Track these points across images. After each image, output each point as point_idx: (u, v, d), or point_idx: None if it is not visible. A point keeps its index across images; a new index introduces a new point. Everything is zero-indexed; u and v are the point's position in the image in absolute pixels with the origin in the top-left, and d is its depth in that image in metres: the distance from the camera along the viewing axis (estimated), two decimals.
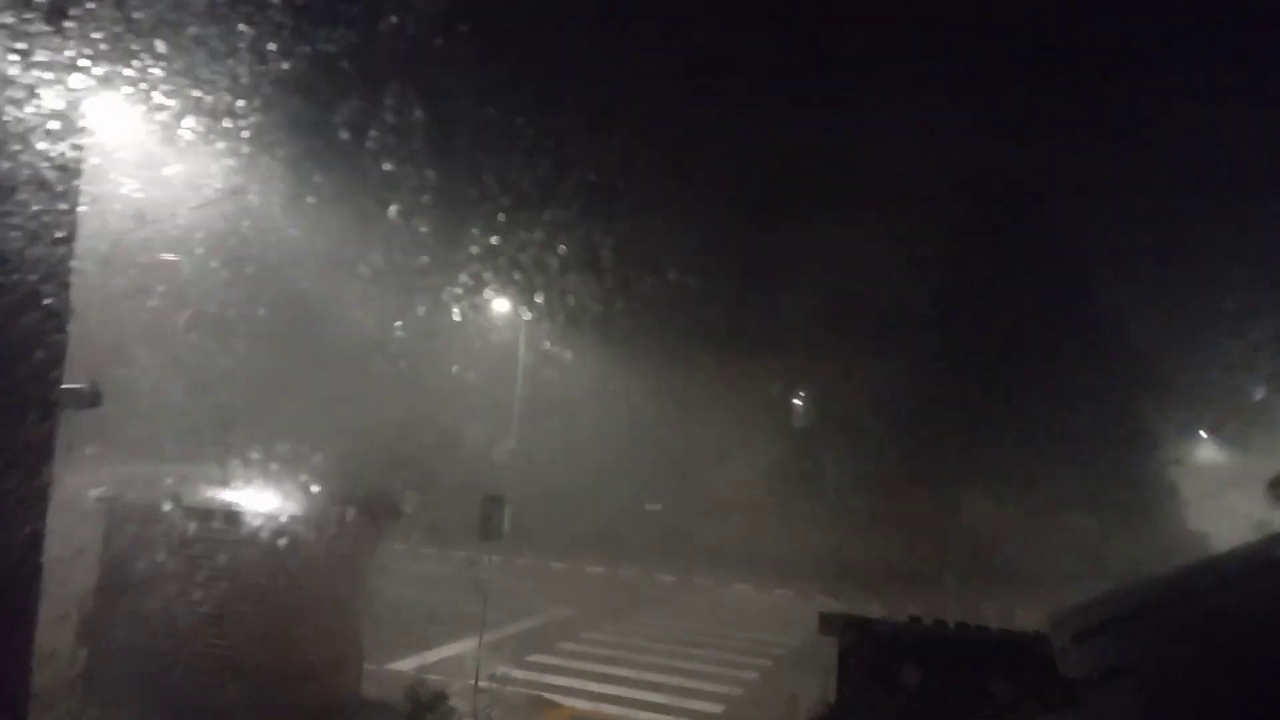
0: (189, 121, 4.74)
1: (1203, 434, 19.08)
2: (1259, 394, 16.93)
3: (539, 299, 14.70)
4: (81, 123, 2.78)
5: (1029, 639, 4.29)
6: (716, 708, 9.81)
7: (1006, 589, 12.15)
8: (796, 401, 19.75)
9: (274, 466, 6.55)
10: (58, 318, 2.81)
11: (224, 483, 7.12)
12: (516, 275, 13.26)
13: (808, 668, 8.80)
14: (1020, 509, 16.60)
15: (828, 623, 5.32)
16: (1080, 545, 14.79)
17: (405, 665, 9.62)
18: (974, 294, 17.88)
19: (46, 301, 2.72)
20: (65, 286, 2.82)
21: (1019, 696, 3.45)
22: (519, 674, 9.61)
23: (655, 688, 10.25)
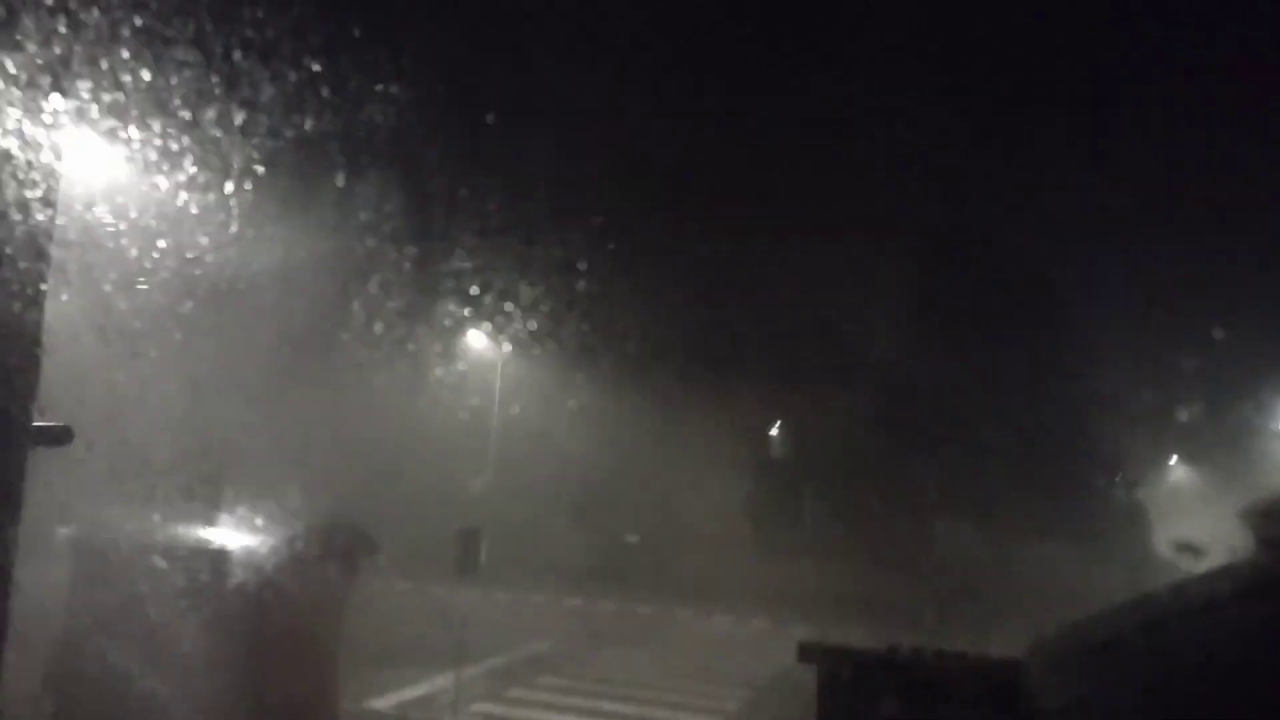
0: (160, 151, 4.74)
1: (1174, 460, 19.33)
2: (1230, 419, 17.21)
3: (515, 331, 14.74)
4: (53, 151, 2.78)
5: (1005, 667, 4.32)
6: None
7: (982, 618, 12.21)
8: (773, 432, 19.81)
9: (246, 502, 6.49)
10: (30, 351, 2.79)
11: (196, 520, 7.04)
12: (492, 308, 13.30)
13: (788, 697, 8.79)
14: (995, 538, 16.72)
15: (807, 652, 5.33)
16: (1054, 573, 14.90)
17: (384, 704, 9.50)
18: (948, 326, 18.10)
19: (18, 335, 2.70)
20: (38, 322, 2.80)
21: None
22: (499, 710, 9.52)
23: None
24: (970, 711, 3.90)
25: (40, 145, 2.70)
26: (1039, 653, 3.70)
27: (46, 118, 2.84)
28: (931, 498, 17.68)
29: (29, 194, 2.64)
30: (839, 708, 5.01)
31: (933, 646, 5.60)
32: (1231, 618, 2.53)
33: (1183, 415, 17.45)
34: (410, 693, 9.44)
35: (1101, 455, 17.54)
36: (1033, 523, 16.42)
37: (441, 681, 9.34)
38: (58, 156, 2.85)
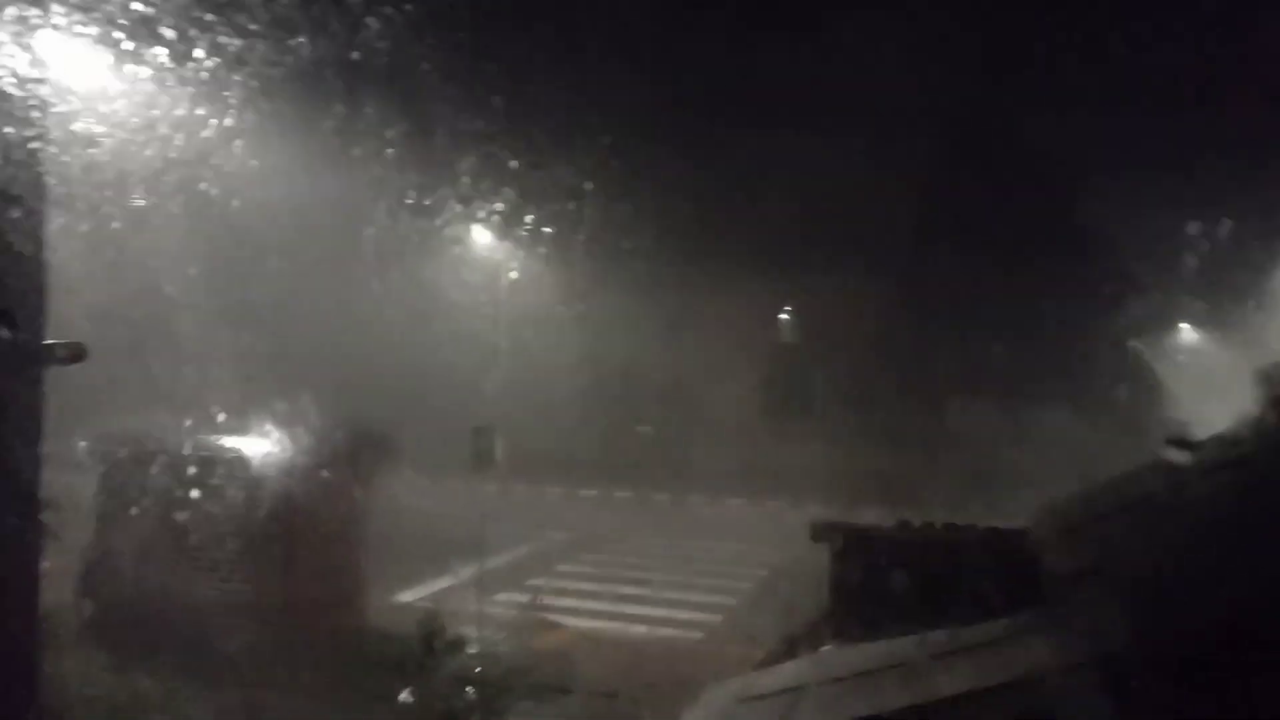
0: (151, 57, 4.59)
1: (1187, 326, 19.29)
2: (1244, 278, 17.07)
3: (521, 223, 14.55)
4: (40, 59, 2.69)
5: (1014, 536, 4.39)
6: (715, 618, 10.06)
7: (993, 491, 12.41)
8: (783, 317, 19.79)
9: (264, 407, 6.54)
10: (34, 269, 2.76)
11: (216, 427, 7.12)
12: (497, 201, 13.08)
13: (801, 576, 9.00)
14: (1007, 413, 16.86)
15: (819, 530, 5.44)
16: (1064, 444, 15.06)
17: (410, 596, 9.80)
18: (957, 205, 17.84)
19: (19, 253, 2.66)
20: (39, 237, 2.76)
21: (1005, 594, 3.55)
22: (521, 597, 9.81)
23: (654, 602, 10.49)
24: (980, 581, 3.98)
25: (25, 54, 2.61)
26: (1047, 521, 3.75)
27: (28, 27, 2.74)
28: (943, 377, 17.78)
29: (17, 107, 2.57)
30: (851, 583, 5.14)
31: (942, 520, 5.70)
32: (1243, 478, 2.54)
33: (1195, 282, 17.35)
34: (434, 585, 9.71)
35: (1113, 325, 17.54)
36: (1045, 396, 16.53)
37: (464, 573, 9.60)
38: (42, 67, 2.76)
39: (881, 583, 4.66)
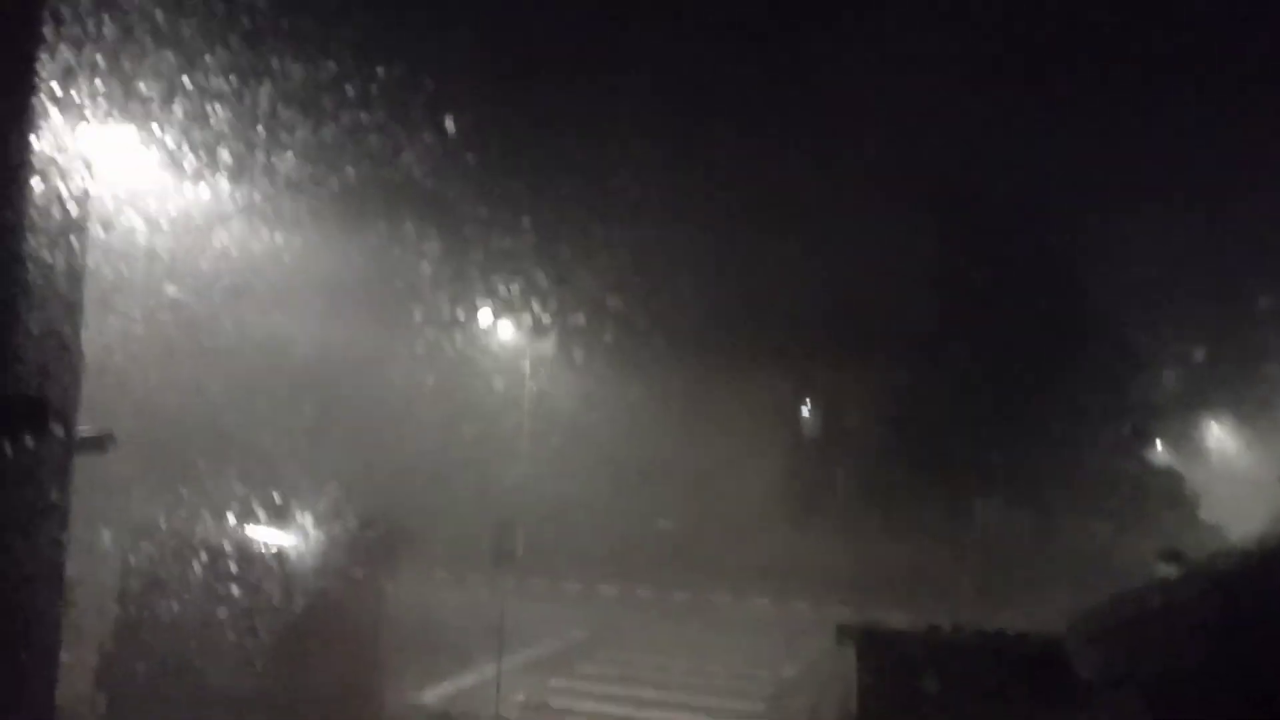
0: (191, 155, 4.83)
1: (1213, 424, 19.05)
2: (1269, 379, 16.92)
3: (541, 316, 14.79)
4: (85, 156, 2.83)
5: (1044, 644, 4.32)
6: None
7: (1021, 595, 12.15)
8: (805, 412, 19.71)
9: (288, 499, 6.60)
10: (69, 359, 2.86)
11: (239, 519, 7.17)
12: (516, 292, 13.36)
13: (828, 679, 8.79)
14: (1033, 514, 16.58)
15: (845, 633, 5.35)
16: (1093, 548, 14.77)
17: (429, 696, 9.63)
18: (981, 301, 17.91)
19: (57, 342, 2.76)
20: (76, 329, 2.86)
21: (1035, 701, 3.49)
22: (541, 699, 9.60)
23: (677, 706, 10.23)
24: (1011, 688, 3.91)
25: (71, 147, 2.76)
26: (1078, 628, 3.70)
27: (78, 116, 2.89)
28: (970, 476, 17.55)
29: (63, 198, 2.70)
30: (879, 688, 5.03)
31: (972, 625, 5.60)
32: (1270, 583, 2.52)
33: (1219, 387, 17.22)
34: (453, 685, 9.56)
35: (1140, 427, 17.36)
36: (1072, 499, 16.28)
37: (483, 672, 9.45)
38: (89, 160, 2.92)
39: (910, 688, 4.58)
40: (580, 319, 14.66)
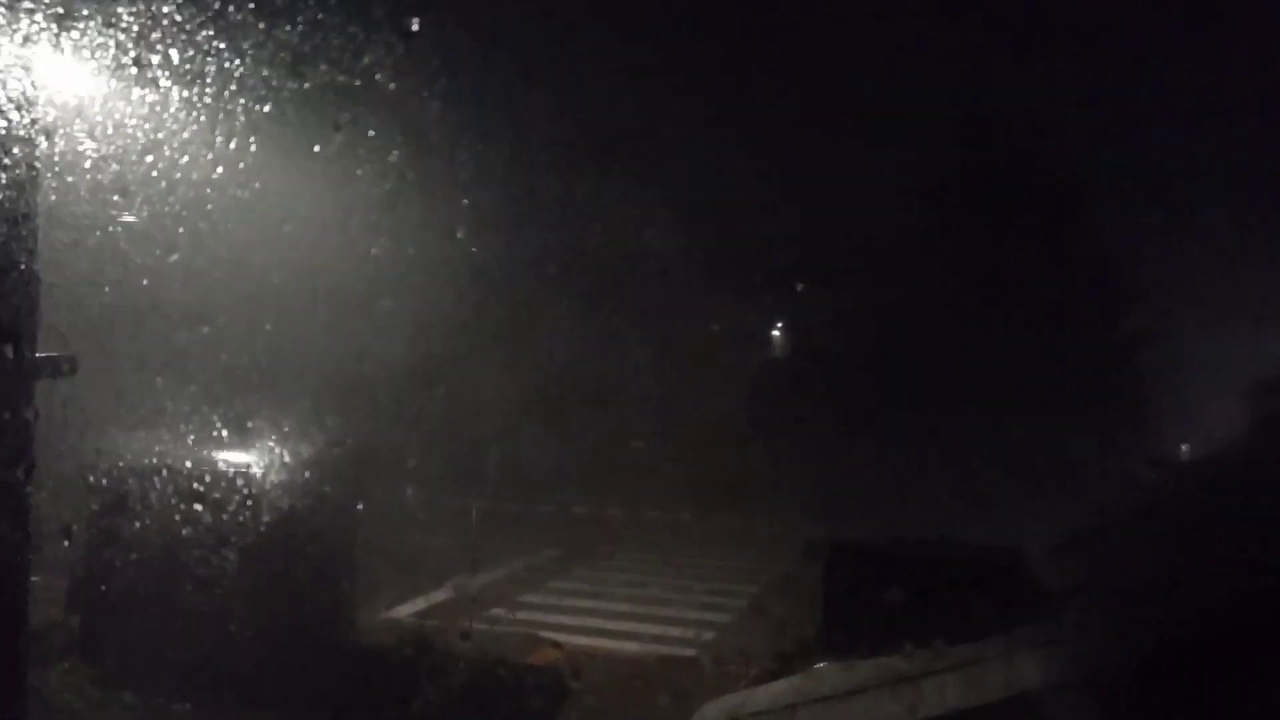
0: (139, 59, 4.58)
1: (1184, 337, 19.31)
2: (1246, 288, 17.10)
3: (513, 234, 14.58)
4: (25, 62, 2.70)
5: (1006, 554, 4.41)
6: (708, 635, 10.03)
7: (988, 507, 12.43)
8: (775, 332, 19.80)
9: (251, 418, 6.53)
10: (26, 283, 2.77)
11: (212, 443, 7.10)
12: (487, 206, 13.07)
13: (795, 592, 8.99)
14: (1001, 427, 16.84)
15: (812, 548, 5.44)
16: (1061, 459, 15.06)
17: (402, 612, 9.76)
18: (957, 219, 17.85)
19: (13, 267, 2.68)
20: (32, 252, 2.77)
21: (996, 610, 3.57)
22: (512, 614, 9.77)
23: (647, 619, 10.46)
24: (972, 598, 4.00)
25: (26, 76, 2.63)
26: (1038, 539, 3.77)
27: (16, 20, 2.75)
28: (938, 391, 17.74)
29: (16, 128, 2.58)
30: (845, 600, 5.14)
31: (936, 538, 5.70)
32: (1231, 496, 2.56)
33: (1192, 295, 17.42)
34: (425, 601, 9.68)
35: (1107, 338, 17.58)
36: (1037, 411, 16.52)
37: (455, 589, 9.57)
38: (29, 66, 2.78)
39: (874, 599, 4.67)
40: (552, 239, 14.48)
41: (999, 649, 3.34)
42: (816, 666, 4.62)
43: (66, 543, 5.94)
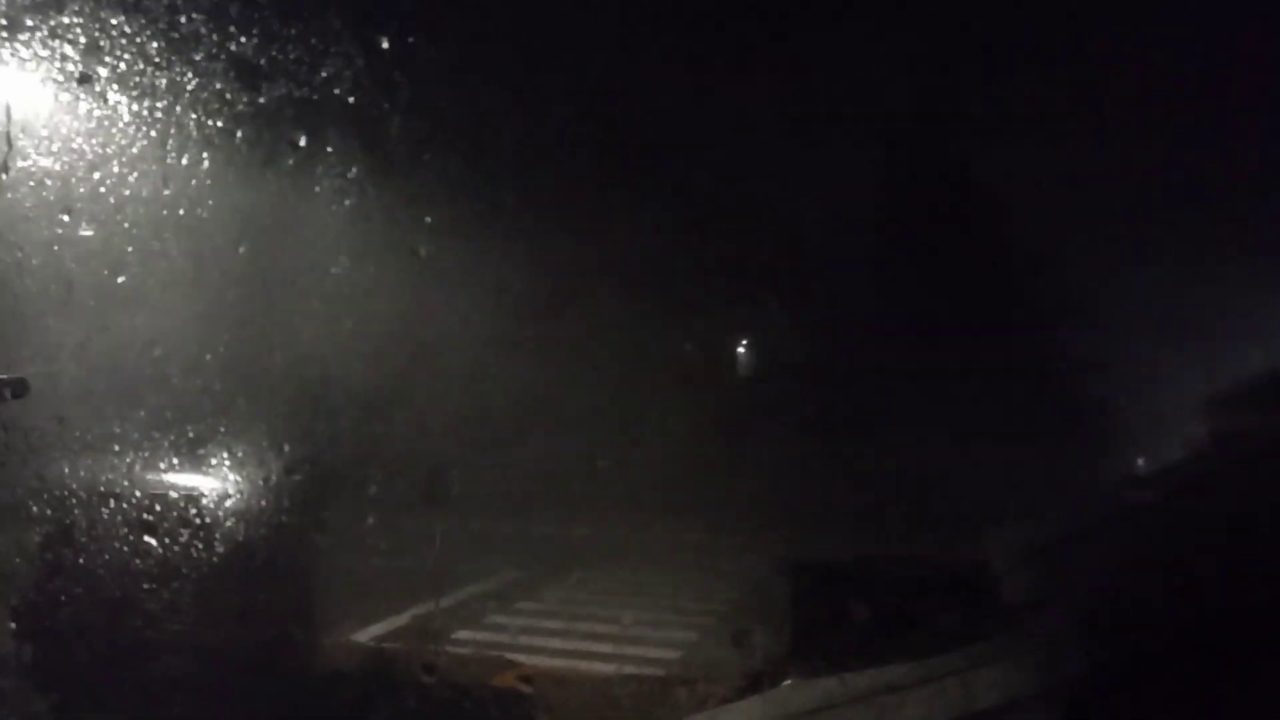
0: (87, 70, 4.48)
1: (1143, 354, 19.56)
2: (1204, 305, 17.31)
3: (480, 261, 14.47)
4: None
5: (972, 568, 4.42)
6: (674, 654, 9.97)
7: (954, 524, 12.51)
8: (740, 350, 19.89)
9: (205, 442, 6.39)
10: None
11: (168, 468, 6.96)
12: (447, 221, 12.93)
13: (762, 611, 8.98)
14: (966, 447, 16.96)
15: (779, 565, 5.43)
16: (1025, 478, 15.19)
17: (364, 636, 9.60)
18: (924, 237, 18.02)
19: None
20: None
21: (963, 624, 3.57)
22: (479, 636, 9.65)
23: (614, 639, 10.38)
24: (939, 614, 4.01)
25: None
26: (1003, 553, 3.80)
27: None
28: (903, 411, 17.84)
29: None
30: (811, 617, 5.14)
31: (902, 553, 5.72)
32: (1192, 509, 2.59)
33: (1150, 312, 17.64)
34: (389, 624, 9.54)
35: (1068, 355, 17.79)
36: (1002, 428, 16.66)
37: (419, 613, 9.43)
38: None
39: (841, 616, 4.67)
40: (513, 254, 14.42)
41: (965, 663, 3.34)
42: (784, 684, 4.61)
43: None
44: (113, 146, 4.59)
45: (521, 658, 10.16)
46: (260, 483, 6.34)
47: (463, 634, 9.56)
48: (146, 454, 6.20)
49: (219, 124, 4.99)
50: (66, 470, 6.04)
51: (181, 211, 5.25)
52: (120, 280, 5.14)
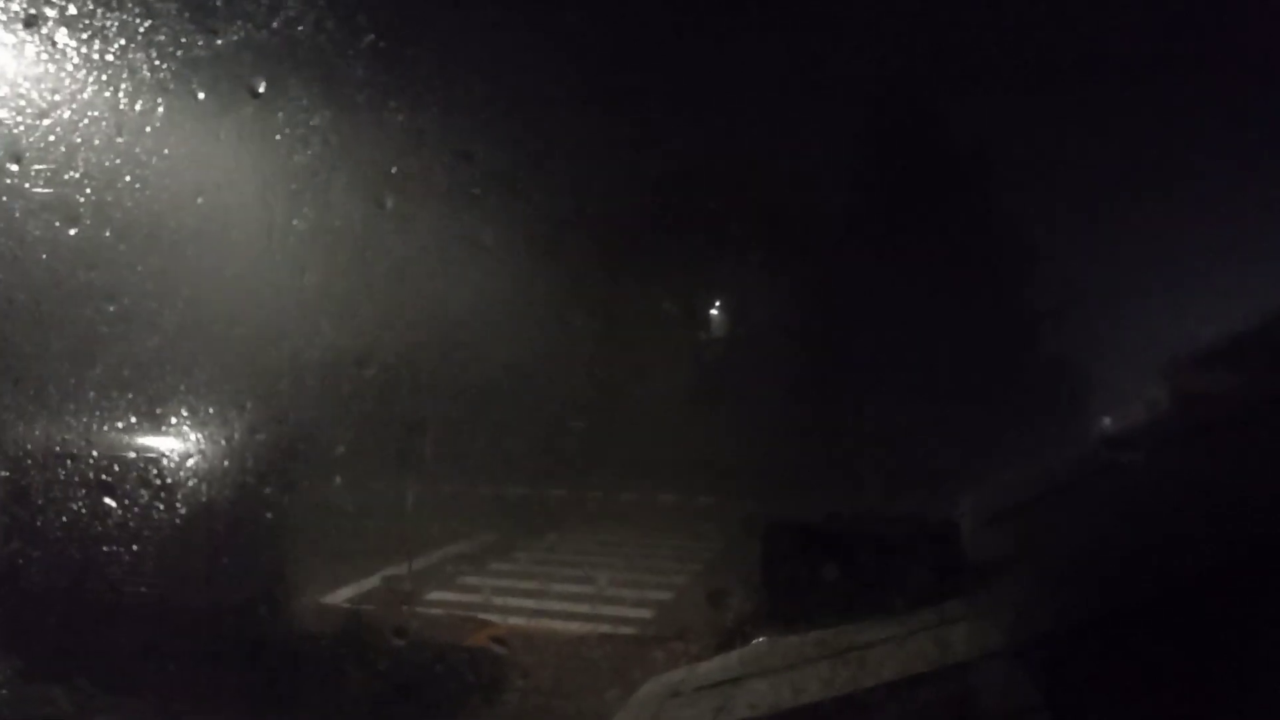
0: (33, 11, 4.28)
1: (1107, 309, 19.67)
2: (1164, 262, 17.39)
3: (451, 215, 14.16)
4: None
5: (940, 526, 4.46)
6: (646, 613, 9.99)
7: (925, 482, 12.61)
8: (713, 311, 19.76)
9: (165, 403, 6.23)
10: None
11: (129, 429, 6.80)
12: (414, 172, 12.62)
13: (734, 570, 9.00)
14: (940, 405, 17.02)
15: (750, 525, 5.44)
16: (996, 434, 15.29)
17: (336, 598, 9.53)
18: (899, 199, 17.83)
19: None
20: None
21: (931, 582, 3.59)
22: (454, 596, 9.61)
23: (587, 599, 10.39)
24: (909, 572, 4.04)
25: None
26: (971, 511, 3.81)
27: None
28: (877, 370, 17.85)
29: None
30: (782, 575, 5.17)
31: (871, 513, 5.76)
32: (1158, 469, 2.61)
33: (1116, 269, 17.70)
34: (360, 588, 9.48)
35: (1036, 311, 17.84)
36: (973, 386, 16.72)
37: (391, 575, 9.38)
38: None
39: (811, 574, 4.71)
40: (485, 210, 14.14)
41: (933, 620, 3.37)
42: (756, 641, 4.65)
43: None
44: (61, 94, 4.42)
45: (495, 619, 10.11)
46: (223, 442, 6.22)
47: (435, 595, 9.52)
48: (103, 414, 6.03)
49: (174, 68, 4.81)
50: (19, 431, 5.86)
51: (136, 161, 5.09)
52: (73, 233, 5.00)
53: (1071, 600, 2.26)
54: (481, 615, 8.38)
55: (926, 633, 3.20)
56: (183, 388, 5.98)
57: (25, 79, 4.32)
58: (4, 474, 5.64)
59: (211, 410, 6.14)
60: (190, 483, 5.82)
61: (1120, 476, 2.42)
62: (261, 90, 5.07)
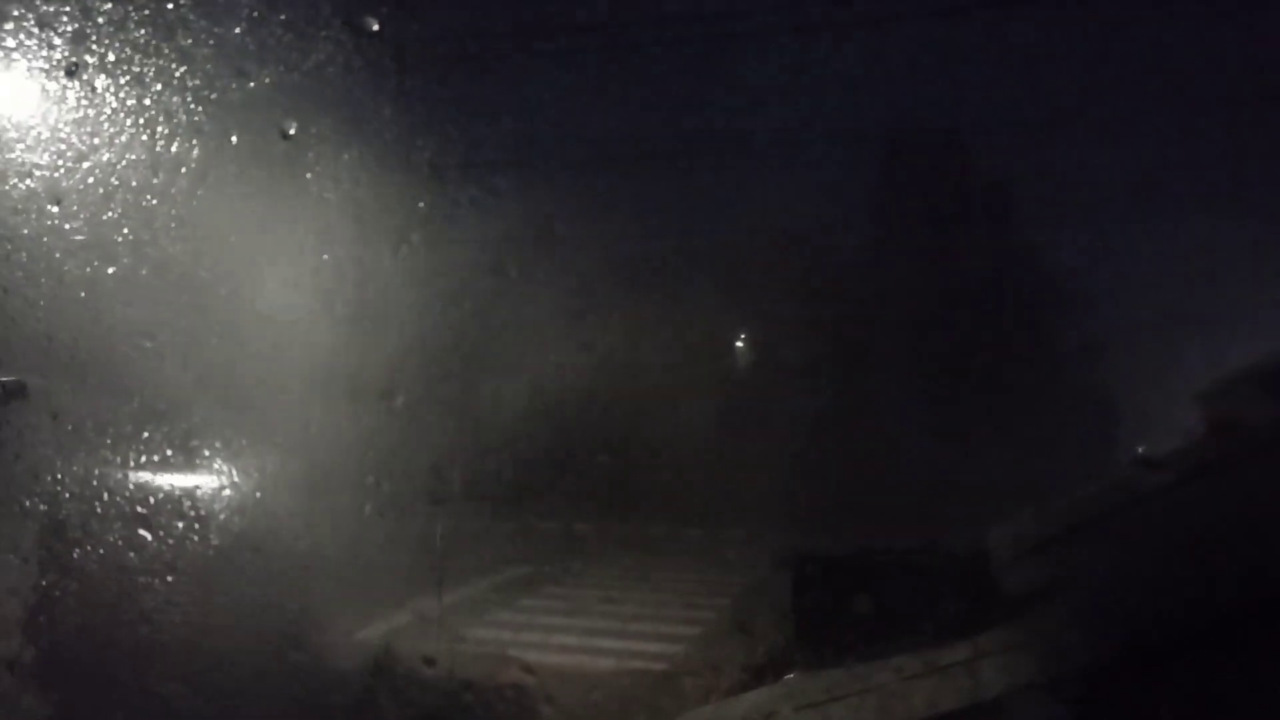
0: (66, 56, 4.42)
1: (1143, 339, 19.47)
2: (1188, 292, 17.20)
3: (478, 246, 14.37)
4: None
5: (973, 560, 4.39)
6: (676, 649, 9.92)
7: (953, 514, 12.46)
8: (739, 344, 19.85)
9: (199, 437, 6.35)
10: None
11: (149, 464, 6.90)
12: (440, 213, 12.79)
13: (766, 603, 8.94)
14: (965, 434, 16.92)
15: (780, 558, 5.39)
16: (1023, 465, 15.15)
17: (367, 634, 9.55)
18: (924, 234, 17.90)
19: None
20: None
21: (964, 616, 3.53)
22: (482, 633, 9.60)
23: (618, 635, 10.33)
24: (941, 604, 3.98)
25: None
26: (1006, 542, 3.76)
27: None
28: (905, 403, 17.78)
29: None
30: (813, 609, 5.11)
31: (903, 546, 5.69)
32: (1193, 499, 2.55)
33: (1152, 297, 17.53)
34: (392, 621, 9.49)
35: (1071, 339, 17.73)
36: (1001, 420, 16.60)
37: (421, 610, 9.38)
38: None
39: (843, 608, 4.65)
40: (513, 242, 14.32)
41: (966, 654, 3.31)
42: (787, 676, 4.59)
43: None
44: (100, 137, 4.54)
45: (524, 653, 10.11)
46: (256, 476, 6.30)
47: (465, 630, 9.53)
48: (140, 448, 6.14)
49: (208, 111, 4.94)
50: (57, 466, 5.98)
51: (171, 202, 5.20)
52: (110, 271, 5.10)
53: (1107, 633, 2.21)
54: (511, 650, 8.22)
55: (960, 666, 3.14)
56: (218, 420, 6.04)
57: (66, 124, 4.46)
58: (41, 509, 5.70)
59: (245, 443, 6.19)
60: (223, 515, 5.84)
61: (1155, 508, 2.38)
62: (292, 132, 5.17)
